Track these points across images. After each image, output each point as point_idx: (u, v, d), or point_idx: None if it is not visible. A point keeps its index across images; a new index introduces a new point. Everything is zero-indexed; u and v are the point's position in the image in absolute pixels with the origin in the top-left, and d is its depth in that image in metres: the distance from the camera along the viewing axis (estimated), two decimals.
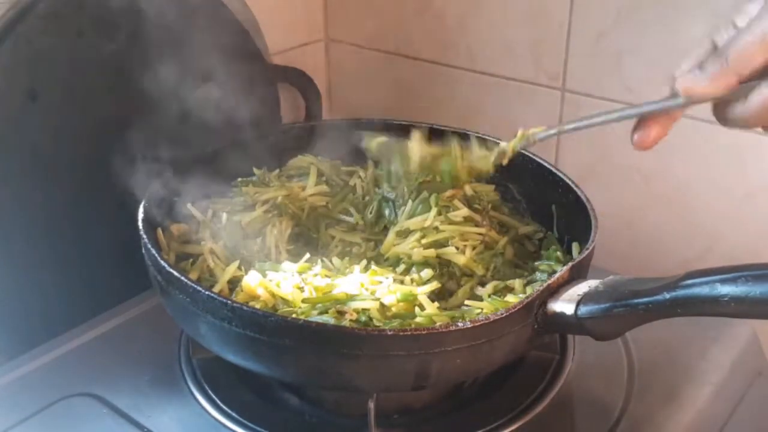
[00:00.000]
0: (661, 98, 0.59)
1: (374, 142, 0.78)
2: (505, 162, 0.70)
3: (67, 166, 0.83)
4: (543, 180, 0.79)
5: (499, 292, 0.70)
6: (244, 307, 0.59)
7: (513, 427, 0.68)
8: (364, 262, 0.73)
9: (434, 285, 0.68)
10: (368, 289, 0.67)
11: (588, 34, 0.96)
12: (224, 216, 0.76)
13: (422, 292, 0.66)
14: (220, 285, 0.69)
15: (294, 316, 0.63)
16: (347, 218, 0.81)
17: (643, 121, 0.61)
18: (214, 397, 0.70)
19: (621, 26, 0.93)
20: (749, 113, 0.55)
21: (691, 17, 0.87)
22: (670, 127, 0.61)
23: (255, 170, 0.84)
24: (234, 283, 0.69)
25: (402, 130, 0.87)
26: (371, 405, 0.65)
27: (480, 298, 0.69)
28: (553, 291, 0.62)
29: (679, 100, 0.58)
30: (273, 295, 0.66)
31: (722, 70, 0.54)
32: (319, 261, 0.72)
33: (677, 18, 0.89)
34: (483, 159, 0.71)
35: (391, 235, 0.74)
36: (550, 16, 0.98)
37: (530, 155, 0.81)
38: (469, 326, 0.58)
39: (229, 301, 0.59)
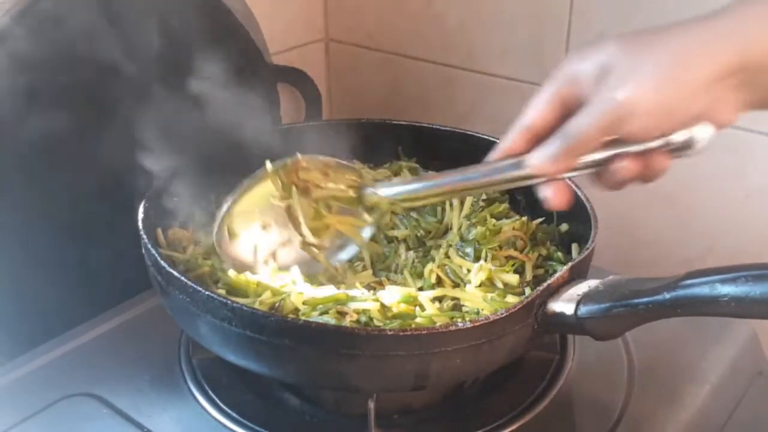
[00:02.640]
0: (509, 165, 0.59)
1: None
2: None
3: (66, 166, 0.83)
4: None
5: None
6: (244, 307, 0.59)
7: (513, 427, 0.68)
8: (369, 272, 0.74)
9: (438, 291, 0.68)
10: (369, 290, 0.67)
11: (588, 34, 0.96)
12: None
13: (425, 297, 0.66)
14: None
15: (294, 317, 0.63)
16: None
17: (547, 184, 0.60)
18: (214, 397, 0.70)
19: (621, 26, 0.93)
20: (605, 185, 0.59)
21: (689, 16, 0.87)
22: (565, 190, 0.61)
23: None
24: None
25: (401, 131, 0.88)
26: (371, 405, 0.65)
27: None
28: (553, 291, 0.62)
29: (524, 173, 0.59)
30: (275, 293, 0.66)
31: (566, 151, 0.56)
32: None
33: (676, 17, 0.89)
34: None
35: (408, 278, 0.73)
36: (550, 16, 0.98)
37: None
38: (469, 326, 0.58)
39: (229, 301, 0.59)
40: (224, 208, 0.72)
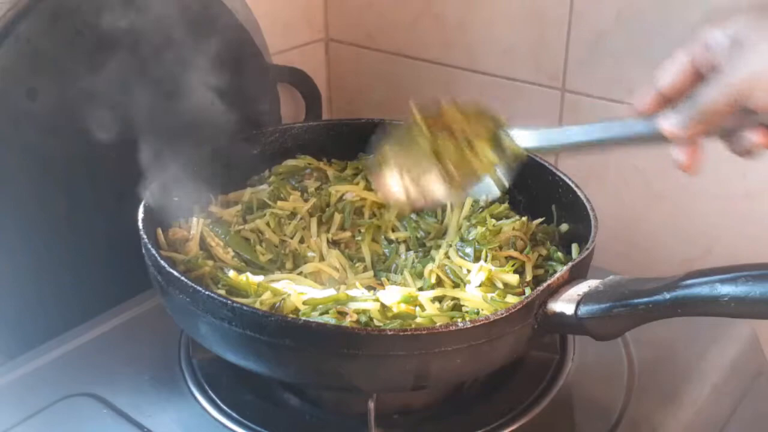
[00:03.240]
0: (642, 125, 0.61)
1: (383, 154, 0.74)
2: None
3: (66, 166, 0.83)
4: (543, 180, 0.79)
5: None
6: (244, 307, 0.59)
7: (513, 427, 0.68)
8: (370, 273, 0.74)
9: (438, 291, 0.68)
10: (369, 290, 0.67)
11: (588, 34, 0.96)
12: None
13: (425, 297, 0.66)
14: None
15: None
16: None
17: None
18: (214, 397, 0.70)
19: (621, 26, 0.93)
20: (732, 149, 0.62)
21: (690, 17, 0.87)
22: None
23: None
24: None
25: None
26: (371, 405, 0.65)
27: None
28: (553, 291, 0.62)
29: (660, 134, 0.60)
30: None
31: (694, 122, 0.58)
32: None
33: (677, 18, 0.89)
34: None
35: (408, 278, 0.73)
36: (550, 16, 0.98)
37: (530, 155, 0.81)
38: (469, 326, 0.58)
39: (229, 301, 0.59)
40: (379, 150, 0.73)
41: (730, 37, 0.56)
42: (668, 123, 0.59)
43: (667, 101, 0.60)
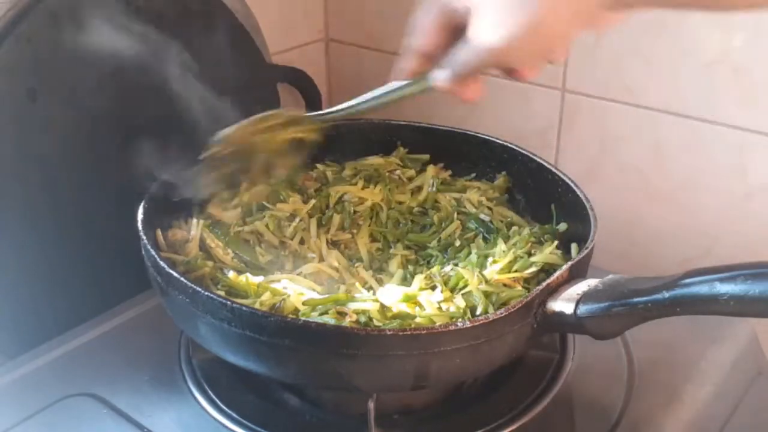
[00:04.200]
0: (416, 83, 0.65)
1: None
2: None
3: (66, 166, 0.83)
4: (543, 180, 0.79)
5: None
6: (244, 308, 0.59)
7: (513, 427, 0.68)
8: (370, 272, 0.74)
9: (445, 294, 0.68)
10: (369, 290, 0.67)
11: (588, 35, 0.96)
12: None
13: (426, 297, 0.66)
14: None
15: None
16: None
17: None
18: (214, 397, 0.70)
19: (621, 26, 0.93)
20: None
21: (690, 17, 0.87)
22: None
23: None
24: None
25: (401, 131, 0.88)
26: (371, 405, 0.65)
27: None
28: (553, 290, 0.62)
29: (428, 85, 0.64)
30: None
31: (457, 77, 0.62)
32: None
33: (677, 18, 0.89)
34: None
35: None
36: None
37: (530, 155, 0.81)
38: (469, 326, 0.58)
39: (228, 302, 0.59)
40: None
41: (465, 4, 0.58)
42: (438, 81, 0.62)
43: (430, 59, 0.63)
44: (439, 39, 0.62)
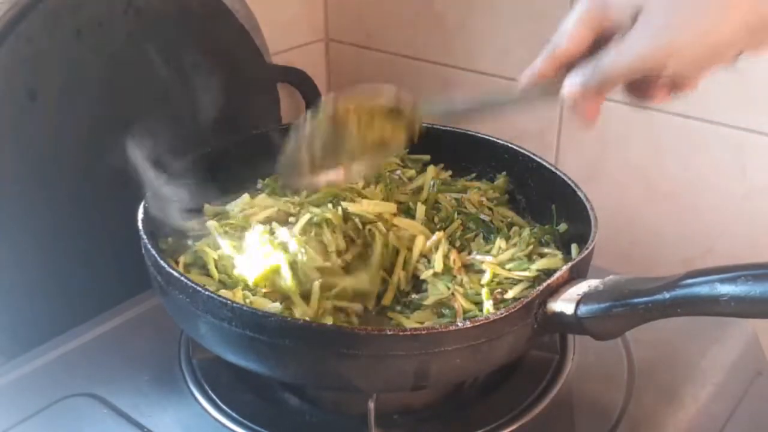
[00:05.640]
0: (540, 89, 0.62)
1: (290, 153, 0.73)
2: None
3: (67, 166, 0.83)
4: (543, 180, 0.79)
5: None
6: (244, 307, 0.59)
7: (513, 427, 0.68)
8: None
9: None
10: None
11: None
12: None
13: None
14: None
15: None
16: None
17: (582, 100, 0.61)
18: (214, 397, 0.70)
19: None
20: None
21: None
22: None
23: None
24: None
25: None
26: (371, 405, 0.65)
27: None
28: (553, 291, 0.62)
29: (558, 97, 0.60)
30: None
31: (596, 87, 0.57)
32: None
33: None
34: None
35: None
36: (550, 16, 0.98)
37: (530, 155, 0.81)
38: (469, 326, 0.58)
39: (228, 301, 0.59)
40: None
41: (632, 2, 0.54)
42: (568, 88, 0.59)
43: (566, 65, 0.59)
44: (584, 45, 0.58)
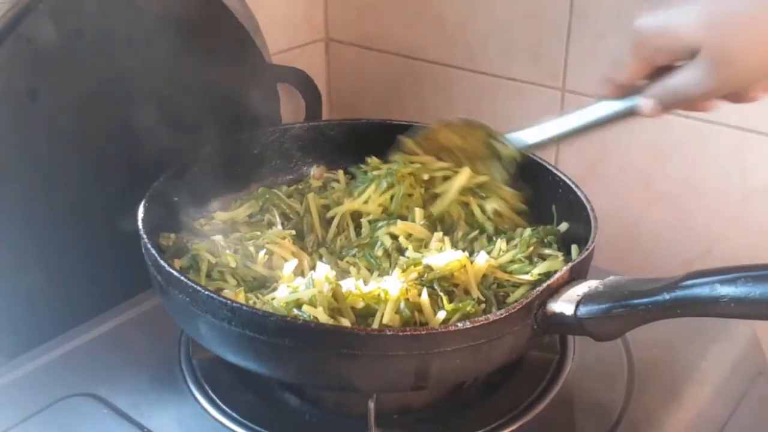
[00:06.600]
0: (620, 110, 0.67)
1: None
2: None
3: (67, 166, 0.83)
4: (543, 180, 0.79)
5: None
6: (244, 307, 0.59)
7: (513, 427, 0.68)
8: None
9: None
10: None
11: (588, 35, 0.96)
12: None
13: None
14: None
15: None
16: None
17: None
18: (214, 397, 0.70)
19: (621, 27, 0.93)
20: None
21: None
22: None
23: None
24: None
25: (401, 131, 0.88)
26: (371, 405, 0.65)
27: None
28: (553, 291, 0.62)
29: (630, 103, 0.66)
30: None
31: (670, 106, 0.64)
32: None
33: None
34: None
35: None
36: (550, 16, 0.98)
37: (530, 155, 0.81)
38: (469, 326, 0.58)
39: (228, 301, 0.59)
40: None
41: (687, 45, 0.59)
42: (646, 107, 0.64)
43: (626, 89, 0.66)
44: (641, 73, 0.64)
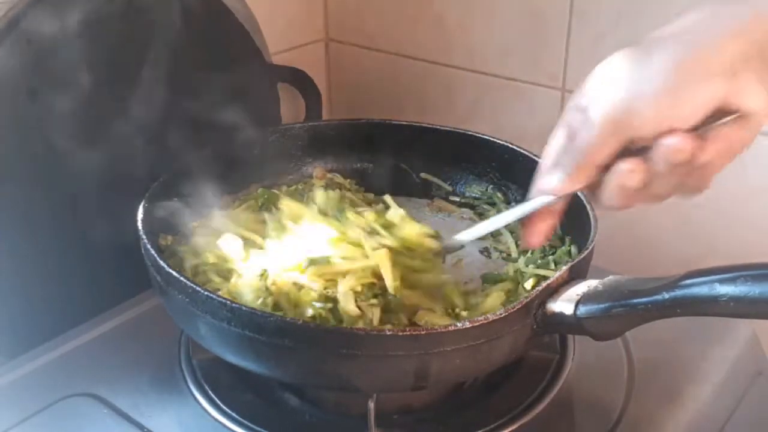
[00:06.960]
0: (534, 198, 0.62)
1: None
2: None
3: (66, 166, 0.83)
4: None
5: None
6: (244, 308, 0.59)
7: (513, 427, 0.68)
8: None
9: None
10: None
11: (588, 35, 0.96)
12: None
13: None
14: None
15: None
16: None
17: (528, 219, 0.63)
18: (214, 397, 0.70)
19: (621, 27, 0.93)
20: (610, 198, 0.57)
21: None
22: (556, 219, 0.64)
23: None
24: None
25: (401, 131, 0.88)
26: (371, 405, 0.65)
27: None
28: (553, 291, 0.62)
29: (550, 198, 0.60)
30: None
31: (577, 166, 0.57)
32: None
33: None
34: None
35: None
36: (550, 16, 0.98)
37: (530, 155, 0.81)
38: (468, 326, 0.58)
39: (228, 302, 0.59)
40: None
41: (597, 82, 0.56)
42: (553, 181, 0.58)
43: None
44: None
